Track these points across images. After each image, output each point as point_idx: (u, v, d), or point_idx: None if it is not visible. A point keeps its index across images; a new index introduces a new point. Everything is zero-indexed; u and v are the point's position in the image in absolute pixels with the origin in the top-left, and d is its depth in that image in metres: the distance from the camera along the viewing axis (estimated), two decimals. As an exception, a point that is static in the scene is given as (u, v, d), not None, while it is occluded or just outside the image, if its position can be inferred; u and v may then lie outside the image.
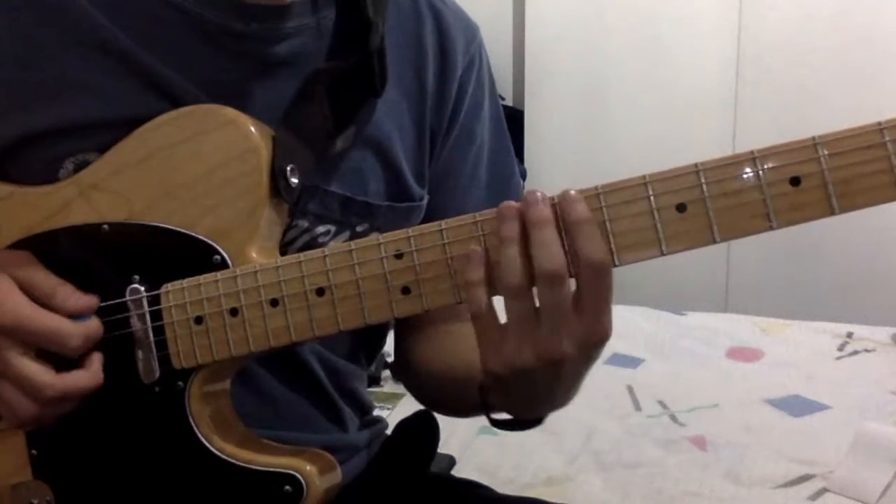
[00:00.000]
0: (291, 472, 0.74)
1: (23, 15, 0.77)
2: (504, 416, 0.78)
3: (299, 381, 0.88)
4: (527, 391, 0.70)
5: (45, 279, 0.75)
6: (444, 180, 0.91)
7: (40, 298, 0.74)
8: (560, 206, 0.64)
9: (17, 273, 0.75)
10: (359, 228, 0.84)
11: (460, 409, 0.91)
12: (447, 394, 0.90)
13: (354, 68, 0.80)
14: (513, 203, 0.65)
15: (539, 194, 0.65)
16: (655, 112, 2.98)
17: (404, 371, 0.97)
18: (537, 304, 0.64)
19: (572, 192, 0.65)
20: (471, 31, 0.93)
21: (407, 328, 0.95)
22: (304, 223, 0.82)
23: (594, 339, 0.65)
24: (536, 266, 0.63)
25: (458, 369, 0.85)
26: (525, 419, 0.77)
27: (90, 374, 0.75)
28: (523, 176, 3.05)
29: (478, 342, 0.68)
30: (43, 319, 0.74)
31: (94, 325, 0.75)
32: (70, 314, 0.74)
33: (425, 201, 0.89)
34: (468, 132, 0.92)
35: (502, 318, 0.67)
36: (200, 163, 0.75)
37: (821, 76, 2.76)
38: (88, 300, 0.75)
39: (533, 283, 0.64)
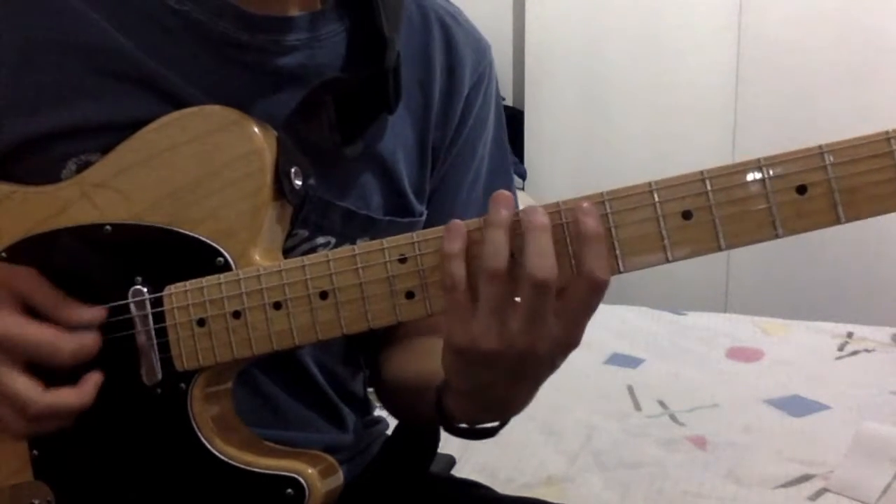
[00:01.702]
0: (293, 474, 0.74)
1: (25, 19, 0.77)
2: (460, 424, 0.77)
3: (297, 383, 0.87)
4: (487, 382, 0.68)
5: (48, 293, 0.74)
6: (443, 195, 0.91)
7: (43, 312, 0.74)
8: (571, 214, 0.64)
9: (18, 287, 0.74)
10: (359, 242, 0.83)
11: (418, 419, 0.88)
12: (408, 403, 0.88)
13: (366, 83, 0.79)
14: (509, 193, 0.66)
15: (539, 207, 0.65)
16: (655, 112, 2.97)
17: (376, 385, 0.96)
18: (516, 299, 0.64)
19: (585, 204, 0.64)
20: (481, 49, 0.92)
21: (383, 342, 0.94)
22: (305, 232, 0.81)
23: (566, 342, 0.65)
24: (528, 271, 0.63)
25: (421, 378, 0.82)
26: (478, 427, 0.76)
27: (78, 393, 0.73)
28: (523, 176, 3.05)
29: (446, 316, 0.67)
30: (32, 329, 0.73)
31: (89, 338, 0.74)
32: (73, 327, 0.73)
33: (424, 217, 0.89)
34: (470, 149, 0.91)
35: None
36: (204, 164, 0.75)
37: (821, 76, 2.76)
38: (92, 313, 0.74)
39: (513, 273, 0.64)
